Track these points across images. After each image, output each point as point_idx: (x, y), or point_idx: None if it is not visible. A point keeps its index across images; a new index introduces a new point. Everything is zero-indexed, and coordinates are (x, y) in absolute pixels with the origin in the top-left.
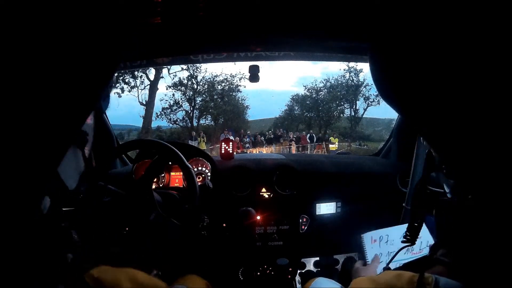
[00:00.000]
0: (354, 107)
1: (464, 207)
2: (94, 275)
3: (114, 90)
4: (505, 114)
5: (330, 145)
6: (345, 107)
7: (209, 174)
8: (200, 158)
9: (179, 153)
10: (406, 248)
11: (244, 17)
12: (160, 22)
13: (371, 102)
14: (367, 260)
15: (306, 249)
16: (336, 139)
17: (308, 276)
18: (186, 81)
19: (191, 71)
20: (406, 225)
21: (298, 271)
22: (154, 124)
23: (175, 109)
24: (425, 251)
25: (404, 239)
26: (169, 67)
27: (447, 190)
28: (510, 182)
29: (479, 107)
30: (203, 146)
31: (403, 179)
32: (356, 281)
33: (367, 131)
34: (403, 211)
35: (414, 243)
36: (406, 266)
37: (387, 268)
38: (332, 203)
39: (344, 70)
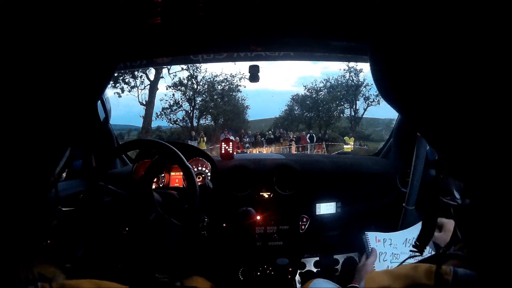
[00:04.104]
0: (354, 107)
1: (474, 209)
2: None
3: (114, 90)
4: (505, 114)
5: (345, 146)
6: (345, 107)
7: (209, 174)
8: (200, 158)
9: (179, 153)
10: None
11: (244, 17)
12: (160, 22)
13: (371, 102)
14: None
15: (306, 249)
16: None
17: (308, 276)
18: (186, 81)
19: (191, 71)
20: (408, 230)
21: (298, 271)
22: (154, 124)
23: (175, 109)
24: (427, 252)
25: (413, 248)
26: (169, 67)
27: (457, 196)
28: (511, 181)
29: (479, 106)
30: (203, 146)
31: (403, 179)
32: (371, 275)
33: (367, 131)
34: (403, 211)
35: (422, 253)
36: (420, 262)
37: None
38: (332, 203)
39: (344, 70)
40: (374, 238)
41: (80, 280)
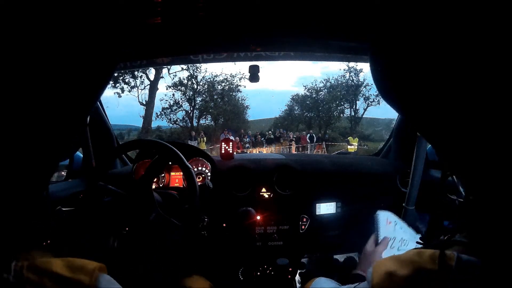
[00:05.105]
0: (354, 107)
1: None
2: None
3: (114, 90)
4: (504, 113)
5: (349, 146)
6: (345, 107)
7: (209, 174)
8: (200, 158)
9: (179, 153)
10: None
11: (244, 17)
12: (160, 22)
13: (371, 102)
14: (379, 238)
15: (306, 249)
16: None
17: (308, 276)
18: (186, 81)
19: (191, 71)
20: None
21: (298, 271)
22: (154, 124)
23: (175, 109)
24: None
25: (418, 242)
26: (169, 67)
27: (463, 193)
28: (510, 180)
29: (479, 106)
30: (203, 146)
31: (403, 179)
32: (379, 262)
33: (367, 131)
34: (403, 211)
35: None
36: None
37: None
38: (332, 203)
39: (344, 70)
40: (385, 220)
41: (52, 259)
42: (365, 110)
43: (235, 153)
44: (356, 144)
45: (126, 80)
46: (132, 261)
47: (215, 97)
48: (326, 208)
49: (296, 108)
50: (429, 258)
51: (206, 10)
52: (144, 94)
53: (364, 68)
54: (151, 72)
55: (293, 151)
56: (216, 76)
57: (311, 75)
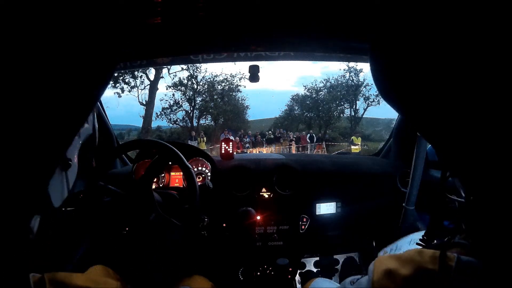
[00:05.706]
0: (354, 107)
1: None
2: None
3: (114, 90)
4: (505, 114)
5: (353, 147)
6: (345, 107)
7: (209, 174)
8: (200, 158)
9: (179, 153)
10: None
11: (244, 17)
12: (160, 22)
13: (371, 102)
14: None
15: (306, 249)
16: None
17: (308, 276)
18: (186, 81)
19: (191, 71)
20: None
21: (298, 271)
22: (154, 124)
23: (175, 109)
24: None
25: (419, 242)
26: (169, 67)
27: (463, 194)
28: (510, 181)
29: (479, 106)
30: (203, 146)
31: (403, 179)
32: (379, 259)
33: (367, 131)
34: (403, 211)
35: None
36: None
37: None
38: (332, 203)
39: (344, 70)
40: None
41: (73, 274)
42: (365, 110)
43: (235, 153)
44: (360, 144)
45: (126, 80)
46: (132, 261)
47: (215, 97)
48: (326, 208)
49: (296, 108)
50: (429, 258)
51: (206, 10)
52: (144, 94)
53: (364, 68)
54: (151, 72)
55: (293, 151)
56: (216, 76)
57: (311, 75)
